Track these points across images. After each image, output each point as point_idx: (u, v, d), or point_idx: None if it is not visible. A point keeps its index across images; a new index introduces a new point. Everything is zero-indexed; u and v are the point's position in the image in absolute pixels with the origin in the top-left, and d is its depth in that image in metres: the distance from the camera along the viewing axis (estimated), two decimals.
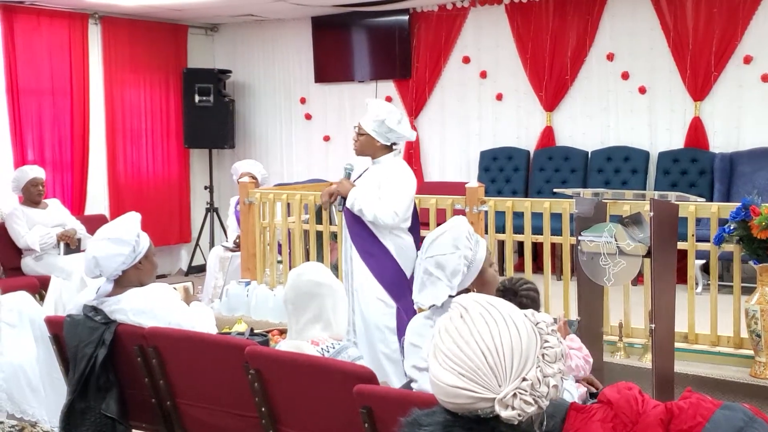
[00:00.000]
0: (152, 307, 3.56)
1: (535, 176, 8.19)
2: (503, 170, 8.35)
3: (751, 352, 5.03)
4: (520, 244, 6.23)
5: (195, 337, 3.46)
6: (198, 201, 9.80)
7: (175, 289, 3.91)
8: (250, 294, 6.62)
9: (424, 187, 8.52)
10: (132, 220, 3.64)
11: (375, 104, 4.90)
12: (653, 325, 4.32)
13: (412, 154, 8.95)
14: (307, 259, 6.87)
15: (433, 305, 2.92)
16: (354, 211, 4.73)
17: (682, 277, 5.32)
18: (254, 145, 9.99)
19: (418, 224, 5.06)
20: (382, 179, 4.76)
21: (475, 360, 1.60)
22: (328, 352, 3.10)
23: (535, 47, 8.21)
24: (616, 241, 4.28)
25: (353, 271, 4.82)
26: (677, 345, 5.21)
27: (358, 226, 4.78)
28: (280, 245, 7.06)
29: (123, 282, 3.61)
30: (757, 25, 7.36)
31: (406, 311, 4.74)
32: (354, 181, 4.89)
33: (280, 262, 7.06)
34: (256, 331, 4.21)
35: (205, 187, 9.60)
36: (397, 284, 4.77)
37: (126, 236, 3.55)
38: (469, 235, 2.92)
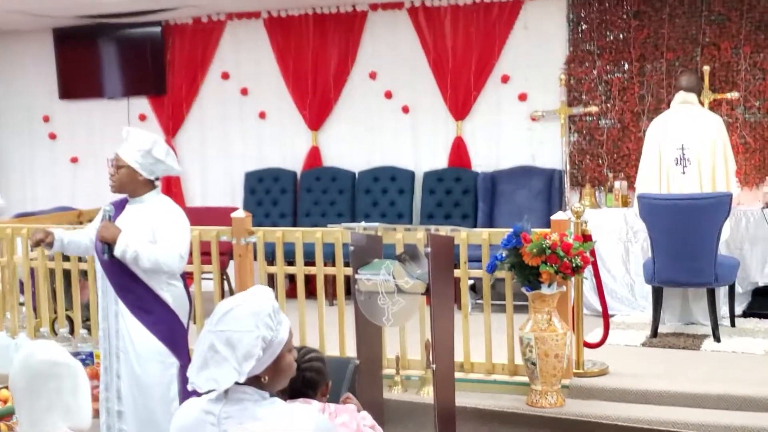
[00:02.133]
0: None
1: (303, 198, 7.92)
2: (270, 192, 8.01)
3: (526, 379, 5.00)
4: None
5: None
6: None
7: None
8: None
9: (191, 213, 7.97)
10: None
11: (137, 133, 4.34)
12: (434, 366, 4.14)
13: (171, 178, 8.38)
14: (54, 299, 6.20)
15: (213, 391, 2.46)
16: (126, 259, 4.08)
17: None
18: None
19: None
20: (153, 221, 4.21)
21: None
22: None
23: (297, 64, 7.94)
24: (394, 278, 4.06)
25: (119, 330, 4.19)
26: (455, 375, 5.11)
27: (126, 279, 4.16)
28: (22, 284, 6.31)
29: None
30: (512, 45, 7.50)
31: (185, 364, 4.26)
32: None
33: (22, 304, 6.30)
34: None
35: None
36: (179, 339, 4.27)
37: None
38: (273, 313, 2.49)
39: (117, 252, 4.09)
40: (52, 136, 8.83)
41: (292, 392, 2.86)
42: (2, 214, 6.98)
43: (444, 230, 4.36)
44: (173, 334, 4.24)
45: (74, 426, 2.68)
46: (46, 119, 8.80)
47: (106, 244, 4.13)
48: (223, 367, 2.37)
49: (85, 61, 8.56)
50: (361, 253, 4.24)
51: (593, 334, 5.72)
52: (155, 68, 8.34)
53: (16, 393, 2.69)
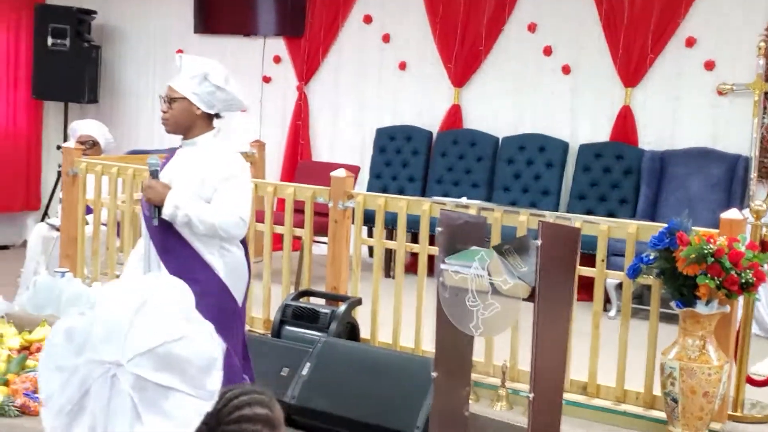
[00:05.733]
0: None
1: (436, 162, 6.96)
2: (401, 152, 7.10)
3: (663, 415, 3.91)
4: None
5: None
6: (51, 162, 8.39)
7: None
8: (62, 288, 5.30)
9: (313, 168, 7.25)
10: None
11: (191, 59, 3.59)
12: (532, 395, 3.14)
13: (299, 127, 7.65)
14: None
15: None
16: (176, 223, 3.38)
17: (590, 295, 4.20)
18: (123, 100, 8.57)
19: None
20: (206, 171, 3.44)
21: None
22: None
23: (447, 10, 6.95)
24: (489, 275, 3.08)
25: None
26: (574, 398, 4.10)
27: (171, 239, 3.44)
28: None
29: None
30: (703, 1, 6.21)
31: (236, 351, 3.49)
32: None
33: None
34: None
35: (58, 147, 8.18)
36: (228, 317, 3.48)
37: None
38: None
39: (165, 215, 3.36)
40: None
41: None
42: (107, 151, 6.45)
43: (574, 219, 3.33)
44: (221, 312, 3.42)
45: None
46: (180, 53, 8.23)
47: (155, 207, 3.40)
48: (171, 405, 1.43)
49: None
50: (454, 236, 3.28)
51: (760, 365, 4.55)
52: (295, 7, 7.59)
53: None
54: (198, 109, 3.46)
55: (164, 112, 3.51)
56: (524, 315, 3.29)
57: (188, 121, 3.49)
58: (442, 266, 3.18)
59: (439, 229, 3.23)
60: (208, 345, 1.46)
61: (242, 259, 3.57)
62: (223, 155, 3.50)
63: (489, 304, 3.08)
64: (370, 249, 6.14)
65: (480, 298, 3.09)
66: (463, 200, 3.43)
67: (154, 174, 3.49)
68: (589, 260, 4.31)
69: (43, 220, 8.04)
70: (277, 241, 5.27)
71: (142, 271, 3.56)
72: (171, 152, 3.59)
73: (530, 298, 3.10)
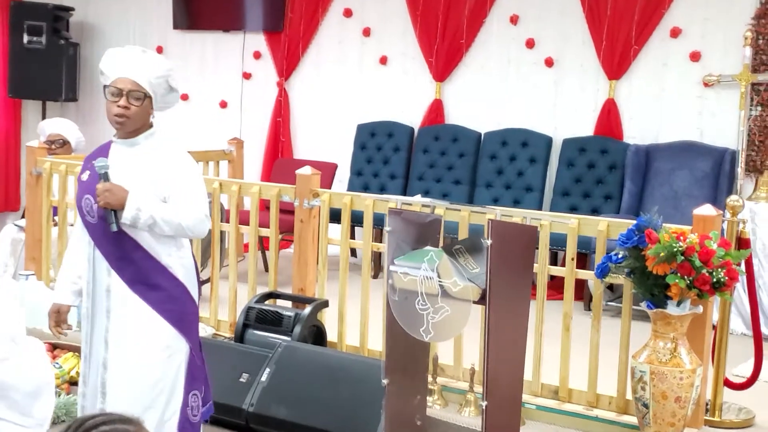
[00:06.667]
0: None
1: (417, 158, 6.79)
2: (381, 149, 6.93)
3: (636, 421, 3.75)
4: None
5: None
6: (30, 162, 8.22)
7: None
8: (25, 292, 5.17)
9: (290, 166, 7.08)
10: None
11: (150, 54, 3.33)
12: (485, 403, 2.98)
13: (280, 124, 7.49)
14: None
15: None
16: (138, 226, 3.10)
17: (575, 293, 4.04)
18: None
19: None
20: (159, 171, 3.21)
21: None
22: None
23: (428, 2, 6.78)
24: (438, 276, 2.91)
25: (110, 309, 3.19)
26: (545, 403, 3.95)
27: (124, 246, 3.16)
28: None
29: None
30: None
31: (195, 350, 3.31)
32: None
33: None
34: None
35: None
36: (189, 319, 3.31)
37: None
38: None
39: (126, 218, 3.07)
40: None
41: None
42: (78, 150, 6.30)
43: (529, 216, 3.17)
44: (184, 314, 3.26)
45: None
46: (159, 50, 8.09)
47: (113, 211, 3.12)
48: None
49: None
50: (405, 236, 3.12)
51: (744, 366, 4.38)
52: (275, 1, 7.42)
53: None
54: (152, 109, 3.26)
55: (126, 108, 3.17)
56: None
57: (144, 120, 3.26)
58: (392, 268, 3.01)
59: (387, 228, 3.06)
60: (36, 368, 1.31)
61: (192, 259, 3.40)
62: (172, 153, 3.28)
63: (439, 307, 2.92)
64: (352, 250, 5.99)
65: (430, 301, 2.93)
66: (417, 198, 3.26)
67: (106, 177, 3.25)
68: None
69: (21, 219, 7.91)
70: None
71: (85, 281, 3.37)
72: (102, 151, 3.35)
73: (482, 300, 2.93)
